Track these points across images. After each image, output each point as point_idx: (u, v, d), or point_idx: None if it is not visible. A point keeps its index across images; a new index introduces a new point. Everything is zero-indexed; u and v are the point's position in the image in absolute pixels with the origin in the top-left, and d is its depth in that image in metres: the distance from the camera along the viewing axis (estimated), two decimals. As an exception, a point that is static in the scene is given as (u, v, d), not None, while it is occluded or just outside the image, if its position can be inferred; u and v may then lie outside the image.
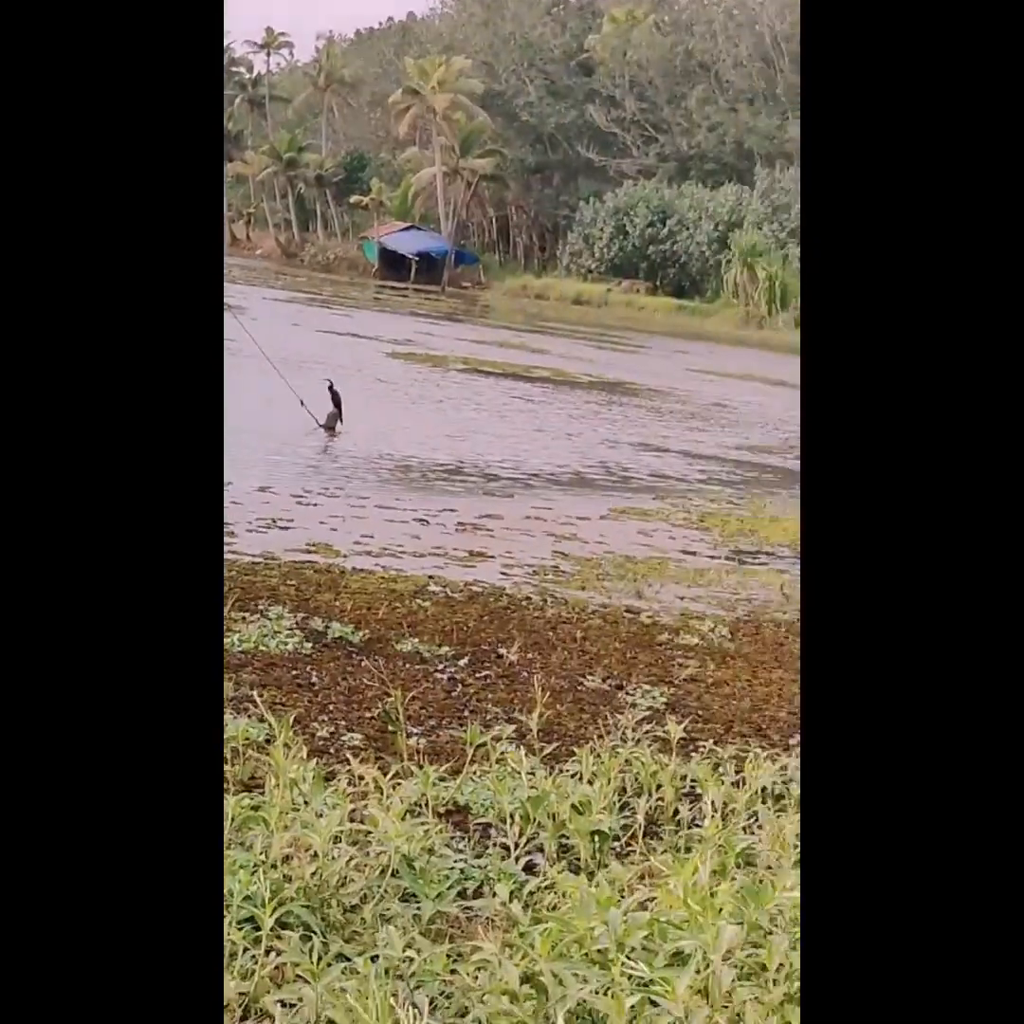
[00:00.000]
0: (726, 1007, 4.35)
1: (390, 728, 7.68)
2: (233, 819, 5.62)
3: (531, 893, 5.48)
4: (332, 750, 7.37)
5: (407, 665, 9.36)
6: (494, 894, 5.33)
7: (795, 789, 6.86)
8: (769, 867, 5.74)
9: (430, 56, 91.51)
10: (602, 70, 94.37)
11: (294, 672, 8.82)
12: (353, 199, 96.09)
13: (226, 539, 13.02)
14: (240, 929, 4.83)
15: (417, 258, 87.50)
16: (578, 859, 6.02)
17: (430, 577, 12.64)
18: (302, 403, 21.33)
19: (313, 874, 5.25)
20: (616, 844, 6.30)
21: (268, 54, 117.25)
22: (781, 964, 4.52)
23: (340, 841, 5.55)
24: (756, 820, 6.41)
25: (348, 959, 4.80)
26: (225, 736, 6.81)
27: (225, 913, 4.89)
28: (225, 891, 4.97)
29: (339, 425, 21.99)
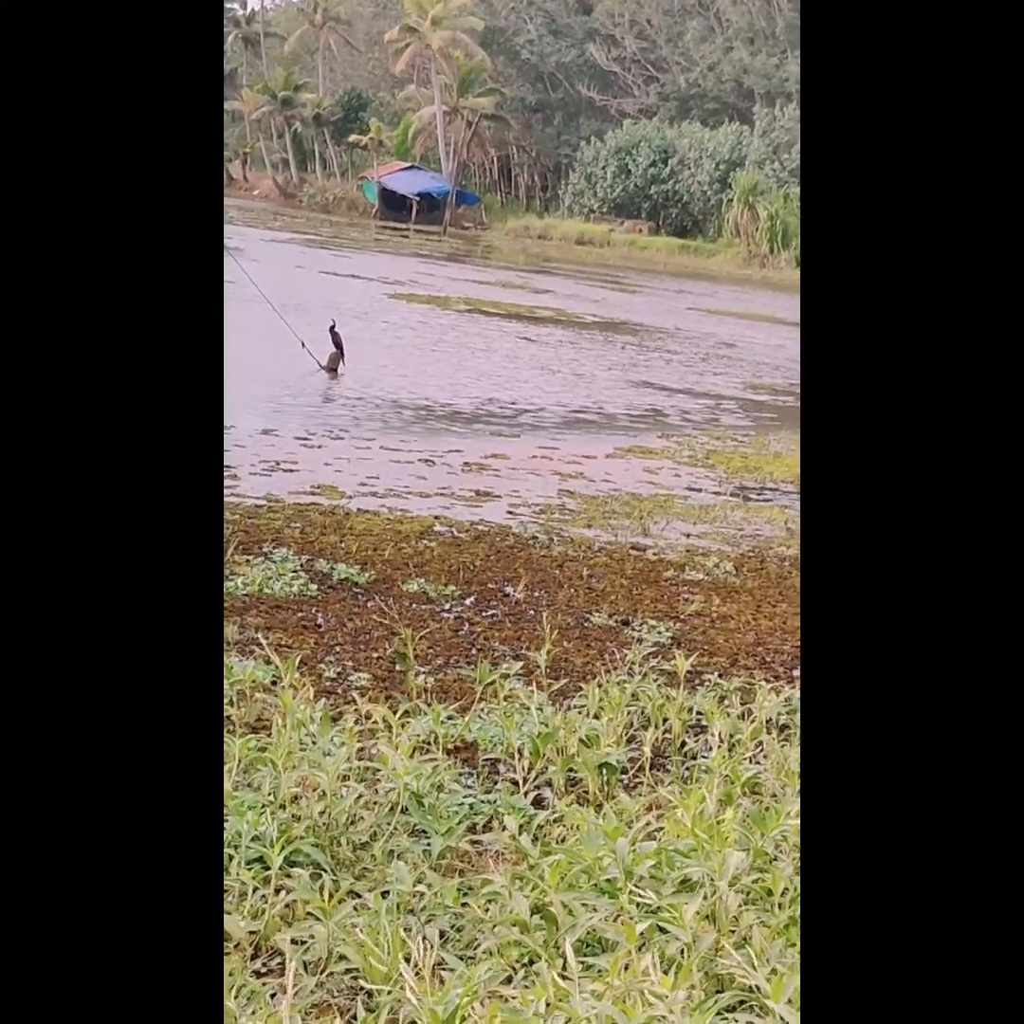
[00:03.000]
0: (733, 931, 4.40)
1: (397, 668, 7.71)
2: (240, 761, 5.65)
3: (540, 826, 5.53)
4: (339, 691, 7.40)
5: (413, 605, 9.38)
6: (503, 828, 5.36)
7: (799, 719, 6.88)
8: (774, 795, 5.78)
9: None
10: (601, 8, 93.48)
11: (300, 614, 8.85)
12: (352, 138, 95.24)
13: (230, 482, 13.02)
14: (249, 869, 4.86)
15: (418, 198, 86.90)
16: (586, 792, 6.06)
17: (436, 517, 12.65)
18: (303, 345, 21.27)
19: (321, 813, 5.28)
20: (624, 776, 6.35)
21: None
22: (786, 888, 4.57)
23: (348, 780, 5.58)
24: (761, 750, 6.45)
25: (359, 895, 4.84)
26: (232, 677, 6.84)
27: (234, 853, 4.92)
28: (234, 832, 5.00)
29: (341, 367, 21.92)
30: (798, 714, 6.96)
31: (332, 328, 21.92)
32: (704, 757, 6.41)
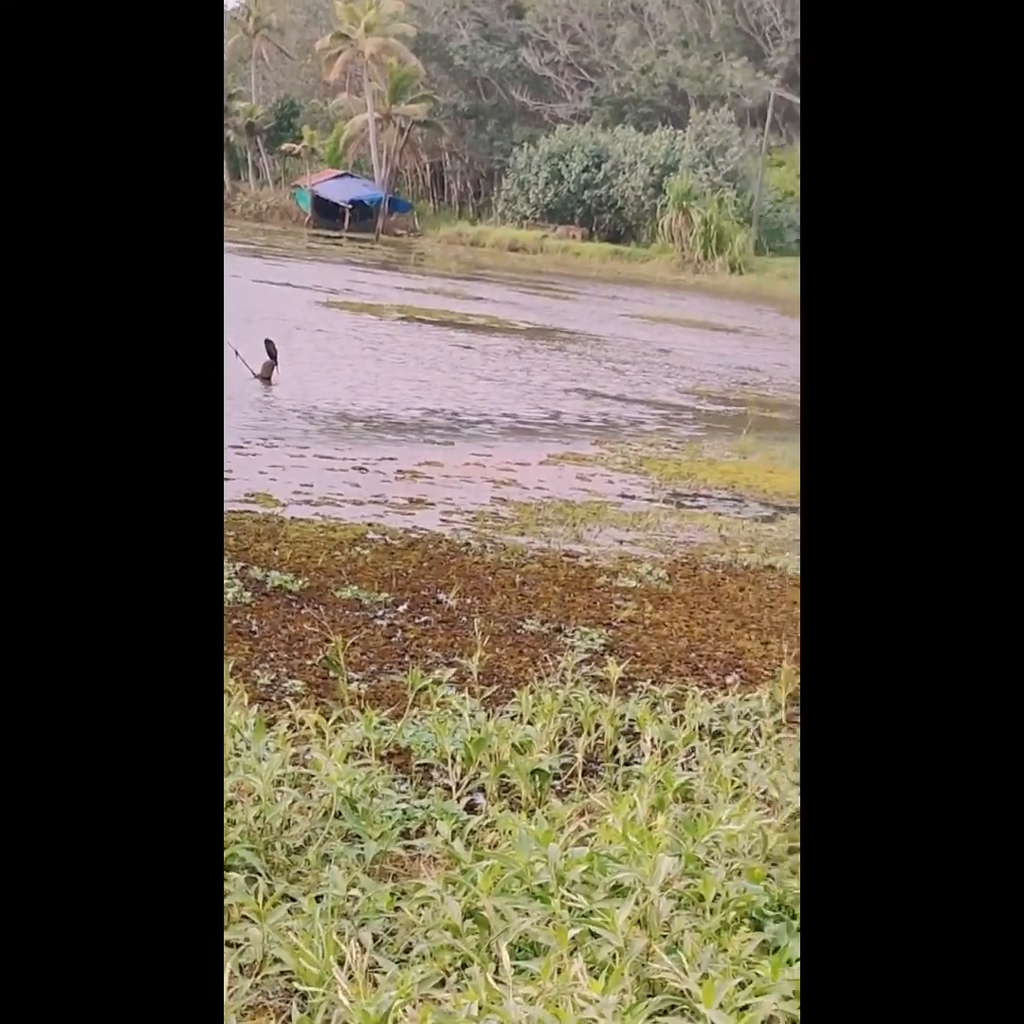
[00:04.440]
0: (664, 936, 4.44)
1: (331, 674, 7.71)
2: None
3: (473, 831, 5.56)
4: (274, 697, 7.40)
5: (347, 612, 9.39)
6: (436, 833, 5.39)
7: (732, 726, 6.96)
8: (706, 801, 5.84)
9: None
10: (533, 13, 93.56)
11: (234, 621, 8.83)
12: (285, 147, 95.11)
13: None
14: (185, 873, 4.86)
15: (350, 206, 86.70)
16: (519, 798, 6.09)
17: (369, 525, 12.66)
18: (237, 353, 21.18)
19: (256, 817, 5.30)
20: (556, 782, 6.38)
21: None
22: (717, 894, 4.62)
23: (282, 785, 5.59)
24: (693, 756, 6.51)
25: (293, 899, 4.86)
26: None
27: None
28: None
29: (275, 375, 21.86)
30: (730, 721, 7.04)
31: (267, 341, 21.86)
32: (636, 763, 6.45)
